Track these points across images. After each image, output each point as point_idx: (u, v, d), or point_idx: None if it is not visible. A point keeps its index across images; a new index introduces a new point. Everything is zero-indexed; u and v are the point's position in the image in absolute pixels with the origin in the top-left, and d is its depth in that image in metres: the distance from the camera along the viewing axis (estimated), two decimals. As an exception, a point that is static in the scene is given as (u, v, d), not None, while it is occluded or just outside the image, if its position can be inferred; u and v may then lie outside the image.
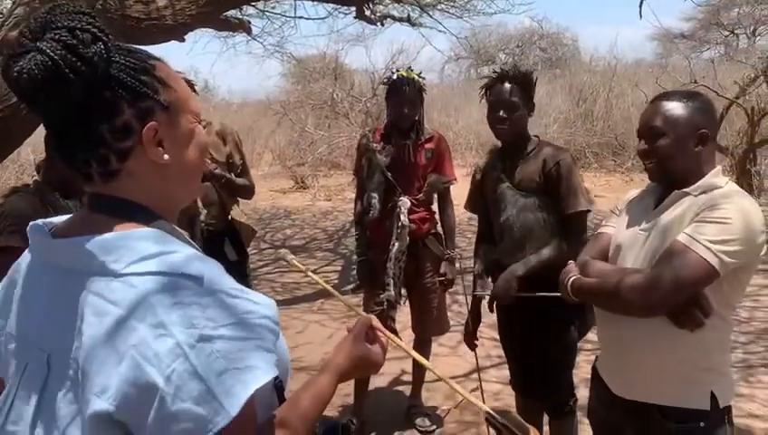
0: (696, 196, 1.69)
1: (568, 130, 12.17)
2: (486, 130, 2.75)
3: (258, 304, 0.89)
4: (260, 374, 0.85)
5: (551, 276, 2.23)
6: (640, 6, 5.40)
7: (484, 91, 2.64)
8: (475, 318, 2.84)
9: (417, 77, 3.08)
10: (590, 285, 1.78)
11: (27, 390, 0.90)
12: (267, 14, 7.40)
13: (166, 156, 0.93)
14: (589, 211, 2.49)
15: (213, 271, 0.87)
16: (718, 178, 1.71)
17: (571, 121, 12.51)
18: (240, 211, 3.37)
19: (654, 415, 1.72)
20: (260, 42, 8.50)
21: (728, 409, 1.72)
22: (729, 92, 9.10)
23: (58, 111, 0.87)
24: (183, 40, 4.68)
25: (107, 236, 0.88)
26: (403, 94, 3.04)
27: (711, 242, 1.55)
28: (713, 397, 1.67)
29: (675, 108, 1.71)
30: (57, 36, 0.84)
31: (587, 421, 3.28)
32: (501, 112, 2.52)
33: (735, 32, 24.59)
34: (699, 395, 1.67)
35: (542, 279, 2.38)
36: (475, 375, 3.92)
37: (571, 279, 1.82)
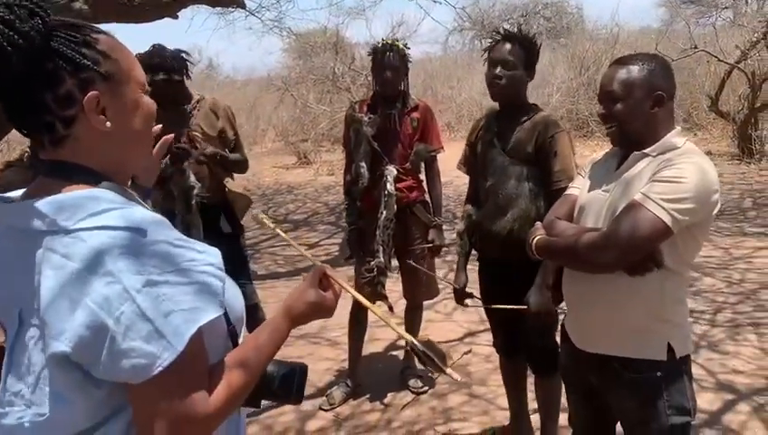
0: (654, 156, 1.75)
1: (570, 100, 12.13)
2: (489, 102, 2.76)
3: (202, 252, 0.99)
4: (204, 314, 0.95)
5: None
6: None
7: (486, 52, 2.62)
8: (462, 276, 2.87)
9: (400, 45, 3.14)
10: (550, 244, 1.86)
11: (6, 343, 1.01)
12: (263, -12, 7.42)
13: (108, 123, 1.00)
14: None
15: (157, 223, 0.96)
16: (676, 139, 1.77)
17: (573, 90, 12.45)
18: (233, 183, 3.44)
19: (614, 366, 1.80)
20: (258, 17, 8.54)
21: (685, 359, 1.80)
22: (731, 57, 9.05)
23: (3, 84, 0.95)
24: (176, 17, 4.73)
25: (58, 196, 0.96)
26: (386, 60, 3.11)
27: (664, 200, 1.62)
28: (669, 348, 1.75)
29: (630, 72, 1.76)
30: None
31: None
32: (497, 69, 2.51)
33: (743, -5, 24.14)
34: (656, 346, 1.75)
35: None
36: (468, 339, 4.05)
37: (535, 239, 1.90)
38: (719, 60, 8.88)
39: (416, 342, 1.26)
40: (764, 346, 3.65)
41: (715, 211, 1.71)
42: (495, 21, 25.20)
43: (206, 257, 0.98)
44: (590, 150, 9.51)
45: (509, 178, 2.56)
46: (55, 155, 1.01)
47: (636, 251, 1.66)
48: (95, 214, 0.94)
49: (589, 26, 18.33)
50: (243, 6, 5.48)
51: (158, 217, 0.98)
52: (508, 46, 2.52)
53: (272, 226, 1.51)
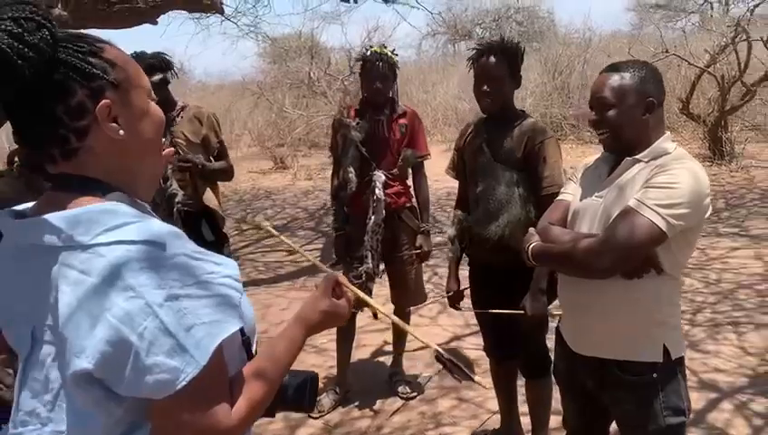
0: (646, 162, 1.78)
1: (544, 103, 12.27)
2: (464, 106, 2.80)
3: (220, 264, 0.98)
4: (226, 326, 0.94)
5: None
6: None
7: (471, 63, 2.64)
8: (455, 281, 2.89)
9: (390, 53, 3.15)
10: (546, 250, 1.88)
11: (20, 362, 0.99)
12: (240, -7, 7.37)
13: (121, 131, 0.99)
14: None
15: (175, 237, 0.95)
16: (667, 144, 1.81)
17: (547, 94, 12.59)
18: (212, 196, 3.38)
19: (611, 369, 1.83)
20: (234, 22, 8.46)
21: (680, 360, 1.83)
22: (701, 61, 9.24)
23: (14, 99, 0.94)
24: (156, 22, 4.69)
25: (72, 211, 0.95)
26: (376, 70, 3.12)
27: (659, 206, 1.65)
28: (665, 350, 1.78)
29: (622, 79, 1.79)
30: (2, 27, 0.89)
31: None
32: (485, 86, 2.54)
33: (709, 0, 24.75)
34: (653, 348, 1.78)
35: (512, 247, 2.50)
36: (454, 343, 4.06)
37: (531, 245, 1.92)
38: (690, 64, 9.07)
39: (440, 350, 1.27)
40: (744, 345, 3.73)
41: (708, 214, 1.75)
42: (468, 25, 25.48)
43: (223, 269, 0.98)
44: (565, 153, 9.61)
45: (499, 183, 2.58)
46: (67, 168, 0.99)
47: (632, 256, 1.69)
48: (112, 228, 0.93)
49: (561, 31, 18.57)
50: (221, 12, 5.45)
51: (175, 229, 0.97)
52: (492, 60, 2.54)
53: (275, 233, 1.50)
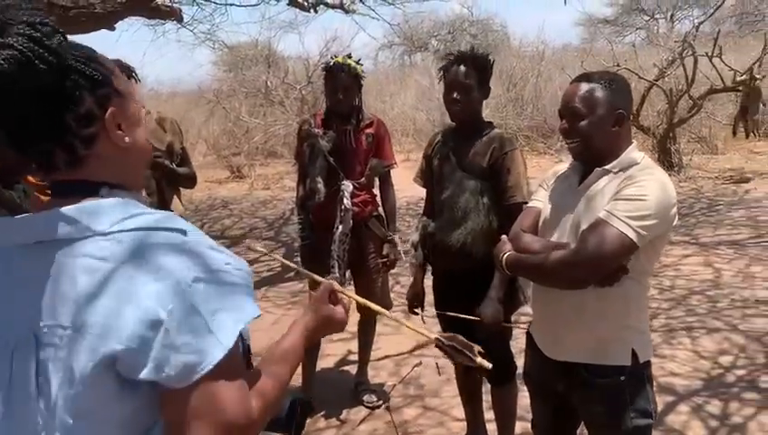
0: (615, 172, 1.83)
1: (500, 115, 12.48)
2: (421, 117, 2.83)
3: (232, 257, 0.98)
4: (248, 312, 0.95)
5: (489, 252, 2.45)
6: (565, -7, 5.64)
7: (441, 72, 2.68)
8: (419, 287, 2.91)
9: (353, 63, 3.16)
10: (521, 261, 1.91)
11: (22, 367, 0.92)
12: (198, 1, 7.29)
13: (127, 138, 0.99)
14: (526, 203, 2.60)
15: (194, 228, 0.96)
16: (635, 154, 1.86)
17: (502, 106, 12.81)
18: (179, 203, 3.33)
19: (581, 372, 1.87)
20: (190, 29, 8.39)
21: (647, 364, 1.89)
22: (649, 75, 9.56)
23: (27, 104, 0.90)
24: (113, 28, 4.61)
25: (88, 203, 0.94)
26: (338, 80, 3.12)
27: (629, 218, 1.70)
28: (633, 353, 1.83)
29: (594, 90, 1.83)
30: (21, 31, 0.87)
31: (525, 389, 3.48)
32: (455, 94, 2.58)
33: (655, 16, 25.70)
34: (621, 352, 1.83)
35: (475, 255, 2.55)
36: (418, 351, 4.08)
37: (505, 255, 1.95)
38: (639, 77, 9.36)
39: (440, 338, 1.29)
40: (698, 349, 3.86)
41: (675, 223, 1.81)
42: (424, 37, 25.77)
43: (237, 262, 0.97)
44: (521, 164, 9.78)
45: (464, 191, 2.61)
46: (72, 175, 0.97)
47: (604, 267, 1.73)
48: (130, 217, 0.93)
49: (515, 43, 18.93)
50: (180, 20, 5.38)
51: (190, 224, 0.98)
52: (463, 69, 2.58)
53: (268, 253, 1.51)
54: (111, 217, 0.92)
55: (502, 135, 2.66)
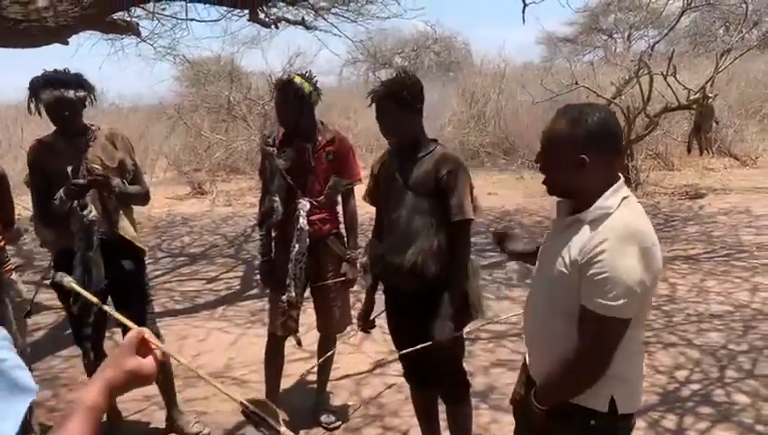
0: (587, 222, 1.69)
1: (461, 131, 12.60)
2: None
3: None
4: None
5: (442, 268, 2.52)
6: (523, 12, 5.73)
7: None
8: (367, 305, 2.90)
9: (298, 82, 3.08)
10: (547, 393, 1.80)
11: None
12: (157, 15, 7.18)
13: None
14: (472, 220, 2.59)
15: None
16: (610, 200, 1.69)
17: (464, 123, 12.95)
18: (128, 224, 3.18)
19: (561, 407, 1.77)
20: (150, 44, 8.25)
21: (627, 416, 1.77)
22: (607, 93, 9.76)
23: None
24: (67, 43, 4.50)
25: None
26: (280, 97, 3.13)
27: (618, 299, 1.60)
28: (612, 401, 1.72)
29: (561, 128, 1.71)
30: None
31: (483, 406, 3.47)
32: (383, 127, 2.63)
33: (613, 36, 26.40)
34: (595, 398, 1.72)
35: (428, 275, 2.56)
36: (378, 370, 4.04)
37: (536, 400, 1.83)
38: (598, 95, 9.55)
39: (246, 402, 1.18)
40: (654, 364, 3.90)
41: (660, 265, 1.70)
42: (388, 54, 25.96)
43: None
44: (482, 180, 9.86)
45: (413, 211, 2.60)
46: None
47: (610, 354, 1.66)
48: None
49: (477, 61, 19.20)
50: (138, 35, 5.30)
51: None
52: (380, 105, 2.61)
53: (79, 289, 1.39)
54: None
55: (445, 152, 2.65)
